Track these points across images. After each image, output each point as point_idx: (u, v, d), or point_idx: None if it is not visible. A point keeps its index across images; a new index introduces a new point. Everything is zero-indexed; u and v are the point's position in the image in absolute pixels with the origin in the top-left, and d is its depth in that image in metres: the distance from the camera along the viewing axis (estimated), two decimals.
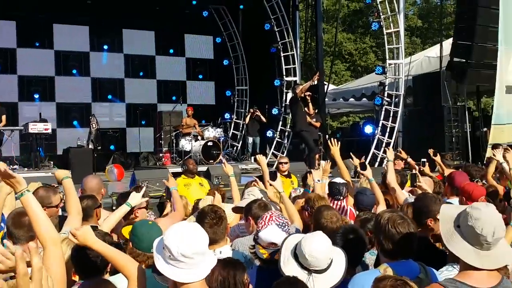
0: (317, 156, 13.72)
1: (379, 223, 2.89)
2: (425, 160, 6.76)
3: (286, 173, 7.94)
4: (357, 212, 4.58)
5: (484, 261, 2.33)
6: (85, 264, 2.91)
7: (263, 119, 15.07)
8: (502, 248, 2.38)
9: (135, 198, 3.99)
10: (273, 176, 4.68)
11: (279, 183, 4.60)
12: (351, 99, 18.96)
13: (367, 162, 8.97)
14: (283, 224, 3.07)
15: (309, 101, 12.55)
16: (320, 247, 2.66)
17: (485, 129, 13.83)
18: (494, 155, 5.71)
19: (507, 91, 12.48)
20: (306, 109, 12.19)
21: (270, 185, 4.70)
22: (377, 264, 3.06)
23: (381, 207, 4.51)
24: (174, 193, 4.71)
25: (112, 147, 15.64)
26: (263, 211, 3.58)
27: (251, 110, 15.20)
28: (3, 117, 12.07)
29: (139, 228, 3.15)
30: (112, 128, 16.12)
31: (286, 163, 8.07)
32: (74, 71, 16.41)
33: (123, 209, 3.87)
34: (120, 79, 17.16)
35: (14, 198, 3.74)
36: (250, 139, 15.26)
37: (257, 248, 3.08)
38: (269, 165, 7.99)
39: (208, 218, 3.41)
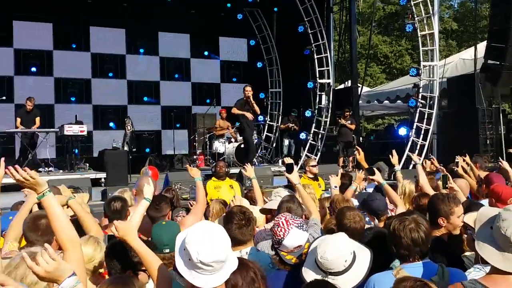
0: (341, 160, 13.63)
1: (391, 227, 2.86)
2: (458, 161, 6.56)
3: (313, 176, 7.93)
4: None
5: (508, 264, 2.24)
6: (124, 260, 2.86)
7: (296, 127, 15.28)
8: None
9: (150, 190, 3.94)
10: (289, 169, 4.62)
11: (296, 176, 4.55)
12: (386, 101, 18.77)
13: (400, 164, 8.82)
14: (301, 224, 3.03)
15: (252, 101, 11.52)
16: (333, 250, 2.61)
17: None
18: None
19: None
20: (254, 109, 11.53)
21: (287, 177, 4.65)
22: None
23: (400, 208, 4.46)
24: (198, 184, 4.69)
25: (147, 149, 15.80)
26: None
27: (289, 125, 15.33)
28: (37, 119, 12.05)
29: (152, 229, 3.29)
30: (147, 131, 16.31)
31: (314, 166, 8.03)
32: (110, 74, 16.73)
33: (144, 204, 3.84)
34: (156, 82, 17.45)
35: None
36: (286, 141, 15.39)
37: (283, 256, 2.99)
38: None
39: (236, 218, 3.41)
